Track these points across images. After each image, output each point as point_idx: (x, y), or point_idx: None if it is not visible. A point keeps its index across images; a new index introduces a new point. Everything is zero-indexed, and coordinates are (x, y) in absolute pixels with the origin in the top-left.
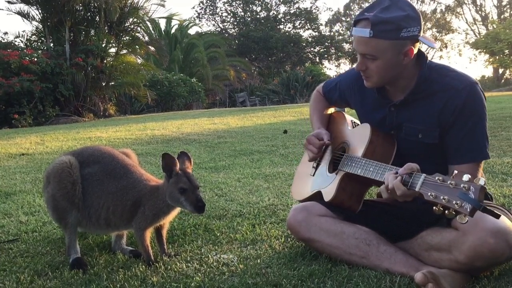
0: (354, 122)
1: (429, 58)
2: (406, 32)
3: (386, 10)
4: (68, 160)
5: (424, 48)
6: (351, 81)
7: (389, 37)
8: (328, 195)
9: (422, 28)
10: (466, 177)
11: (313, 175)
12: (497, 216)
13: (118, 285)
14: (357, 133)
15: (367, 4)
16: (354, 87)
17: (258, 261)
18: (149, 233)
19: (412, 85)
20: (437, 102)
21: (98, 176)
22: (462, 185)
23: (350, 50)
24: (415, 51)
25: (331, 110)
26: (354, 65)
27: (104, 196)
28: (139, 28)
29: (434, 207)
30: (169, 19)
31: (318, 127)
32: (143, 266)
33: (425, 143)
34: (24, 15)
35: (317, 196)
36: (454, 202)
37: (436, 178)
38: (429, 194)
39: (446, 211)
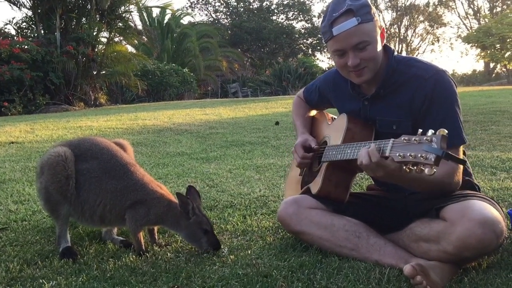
0: (334, 118)
1: (416, 54)
2: (374, 13)
3: None
4: (63, 152)
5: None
6: (328, 80)
7: (370, 18)
8: (315, 188)
9: None
10: (430, 131)
11: (302, 175)
12: (463, 162)
13: (108, 275)
14: (335, 124)
15: None
16: (330, 85)
17: (249, 252)
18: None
19: (381, 78)
20: (406, 93)
21: (96, 173)
22: (425, 138)
23: None
24: None
25: (313, 112)
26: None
27: (102, 194)
28: (131, 17)
29: (404, 167)
30: (162, 8)
31: (302, 132)
32: (134, 256)
33: (399, 134)
34: (13, 2)
35: (306, 193)
36: (419, 155)
37: (403, 138)
38: (397, 155)
39: (415, 167)
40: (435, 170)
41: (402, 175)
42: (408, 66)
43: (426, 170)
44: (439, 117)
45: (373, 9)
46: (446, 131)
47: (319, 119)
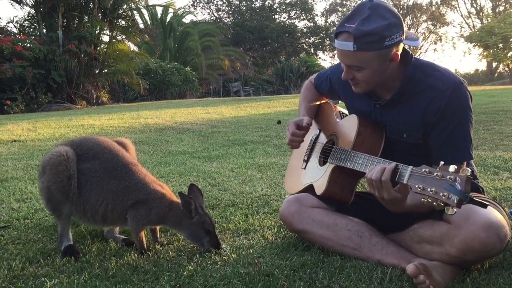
0: (342, 112)
1: (418, 54)
2: (389, 41)
3: (366, 21)
4: (65, 152)
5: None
6: (340, 73)
7: (373, 48)
8: (319, 189)
9: (404, 30)
10: (452, 167)
11: (305, 168)
12: (485, 206)
13: (110, 273)
14: (345, 124)
15: None
16: (341, 80)
17: (251, 251)
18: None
19: (397, 85)
20: (421, 103)
21: (97, 172)
22: (448, 177)
23: None
24: (400, 52)
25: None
26: None
27: (104, 194)
28: (133, 15)
29: (422, 199)
30: (164, 7)
31: (303, 115)
32: (136, 255)
33: (409, 143)
34: (16, 0)
35: (309, 189)
36: (441, 194)
37: (423, 170)
38: (416, 186)
39: (435, 203)
40: (455, 210)
41: (402, 205)
42: (425, 75)
43: (446, 209)
44: (447, 131)
45: (391, 35)
46: (470, 171)
47: (327, 111)
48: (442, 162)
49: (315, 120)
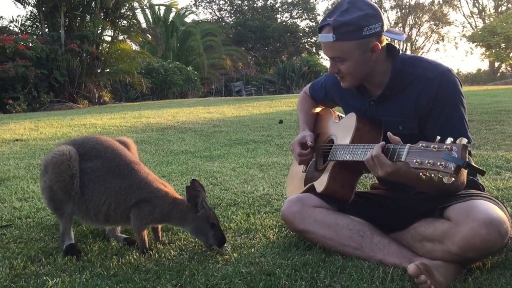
0: (341, 116)
1: (420, 53)
2: (367, 31)
3: (345, 12)
4: (68, 151)
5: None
6: (334, 77)
7: (351, 37)
8: (320, 186)
9: (384, 23)
10: (448, 140)
11: (305, 171)
12: (482, 173)
13: (111, 272)
14: (343, 123)
15: None
16: (336, 84)
17: (252, 250)
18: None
19: (386, 80)
20: (412, 94)
21: (100, 172)
22: (444, 147)
23: None
24: (383, 45)
25: (319, 109)
26: None
27: (106, 193)
28: (135, 15)
29: (421, 174)
30: (167, 6)
31: (303, 128)
32: (137, 254)
33: (405, 135)
34: (19, 0)
35: (310, 191)
36: (438, 163)
37: (420, 145)
38: (414, 161)
39: (433, 175)
40: (453, 179)
41: (406, 176)
42: (413, 67)
43: (445, 179)
44: (442, 119)
45: (369, 25)
46: (466, 140)
47: (325, 116)
48: (438, 137)
49: (314, 126)
